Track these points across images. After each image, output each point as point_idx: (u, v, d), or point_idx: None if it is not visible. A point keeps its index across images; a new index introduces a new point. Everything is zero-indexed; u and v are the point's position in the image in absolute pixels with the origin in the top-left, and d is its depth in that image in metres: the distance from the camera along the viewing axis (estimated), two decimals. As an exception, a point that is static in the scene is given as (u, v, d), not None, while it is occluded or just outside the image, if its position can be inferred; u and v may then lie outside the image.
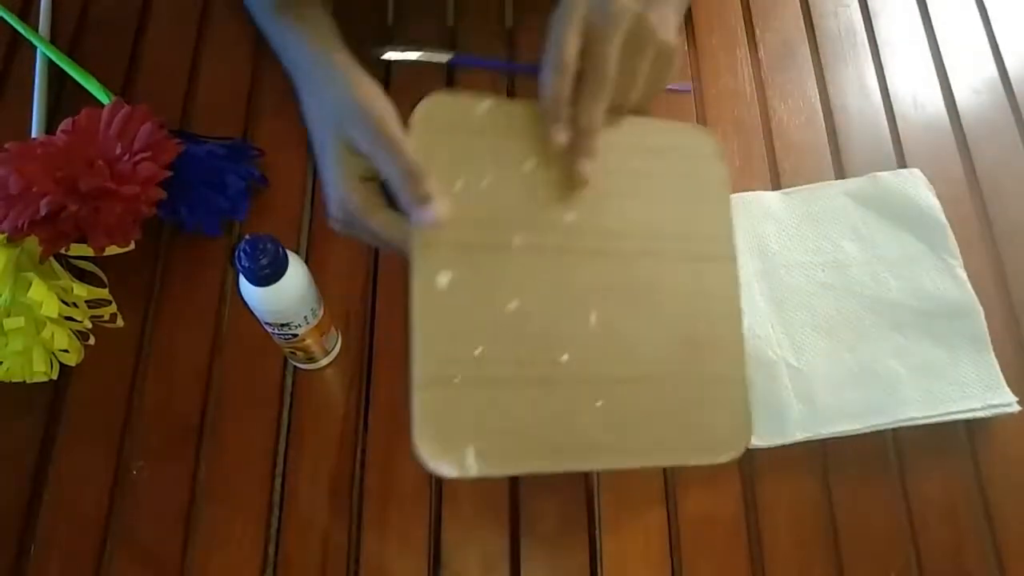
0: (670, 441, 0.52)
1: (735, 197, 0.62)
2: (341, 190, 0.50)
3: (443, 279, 0.50)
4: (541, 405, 0.50)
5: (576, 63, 0.52)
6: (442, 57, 0.56)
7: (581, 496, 0.56)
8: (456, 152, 0.52)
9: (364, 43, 0.70)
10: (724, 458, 0.52)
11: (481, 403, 0.49)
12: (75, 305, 0.57)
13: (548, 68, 0.52)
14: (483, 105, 0.53)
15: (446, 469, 0.48)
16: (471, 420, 0.49)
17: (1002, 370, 0.56)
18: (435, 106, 0.53)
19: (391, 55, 0.56)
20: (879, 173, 0.63)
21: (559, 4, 0.54)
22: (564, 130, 0.51)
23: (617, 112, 0.54)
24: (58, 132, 0.59)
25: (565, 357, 0.51)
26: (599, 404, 0.51)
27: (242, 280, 0.48)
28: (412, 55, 0.56)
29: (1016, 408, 0.55)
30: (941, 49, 0.71)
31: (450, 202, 0.50)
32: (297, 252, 0.61)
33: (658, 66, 0.55)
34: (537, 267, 0.52)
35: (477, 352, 0.50)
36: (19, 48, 0.71)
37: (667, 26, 0.56)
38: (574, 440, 0.50)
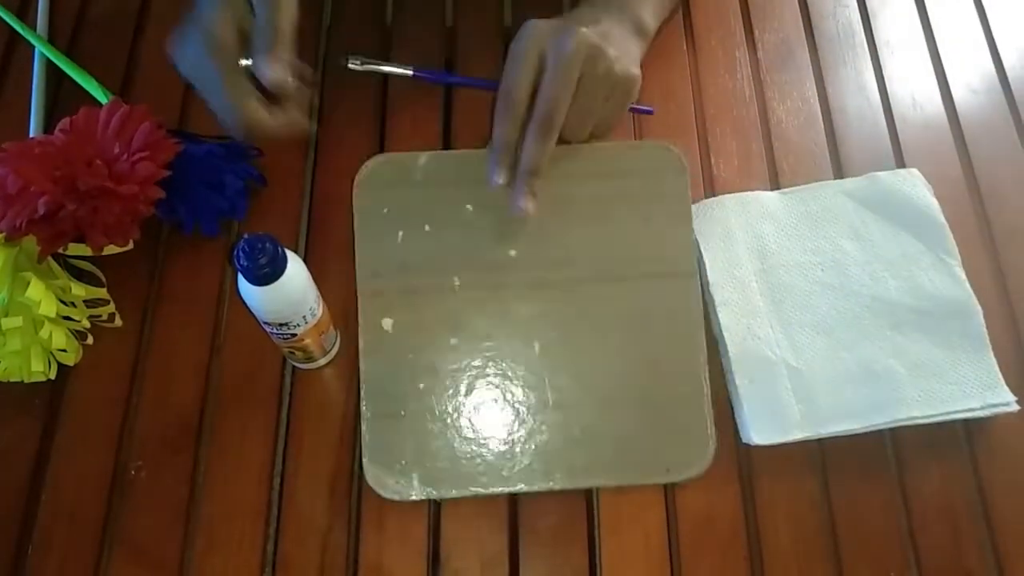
0: (625, 461, 0.54)
1: (734, 197, 0.63)
2: (217, 25, 0.52)
3: (387, 323, 0.55)
4: (485, 431, 0.54)
5: (526, 103, 0.53)
6: (406, 71, 0.57)
7: (580, 495, 0.55)
8: (396, 206, 0.57)
9: (363, 42, 0.71)
10: (681, 478, 0.54)
11: (426, 432, 0.54)
12: (73, 304, 0.57)
13: (499, 109, 0.53)
14: (420, 160, 0.58)
15: (391, 493, 0.53)
16: (416, 448, 0.54)
17: (1001, 369, 0.56)
18: (375, 166, 0.58)
19: (355, 65, 0.57)
20: (878, 173, 0.63)
21: (519, 30, 0.54)
22: (503, 174, 0.53)
23: (569, 142, 0.55)
24: (56, 131, 0.58)
25: (508, 386, 0.55)
26: (544, 428, 0.54)
27: (241, 280, 0.48)
28: (375, 67, 0.58)
29: (1015, 407, 0.55)
30: (939, 49, 0.71)
31: (399, 248, 0.56)
32: (296, 252, 0.61)
33: (616, 99, 0.55)
34: (478, 303, 0.56)
35: (421, 386, 0.55)
36: (17, 47, 0.71)
37: (627, 57, 0.57)
38: (519, 464, 0.54)
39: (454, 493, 0.53)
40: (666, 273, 0.57)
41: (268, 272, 0.47)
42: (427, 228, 0.57)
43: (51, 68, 0.69)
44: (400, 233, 0.57)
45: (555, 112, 0.52)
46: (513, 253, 0.57)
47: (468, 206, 0.58)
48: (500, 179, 0.53)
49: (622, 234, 0.58)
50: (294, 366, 0.59)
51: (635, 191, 0.59)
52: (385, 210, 0.57)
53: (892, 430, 0.56)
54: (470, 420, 0.55)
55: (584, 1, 0.62)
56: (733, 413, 0.57)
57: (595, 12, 0.59)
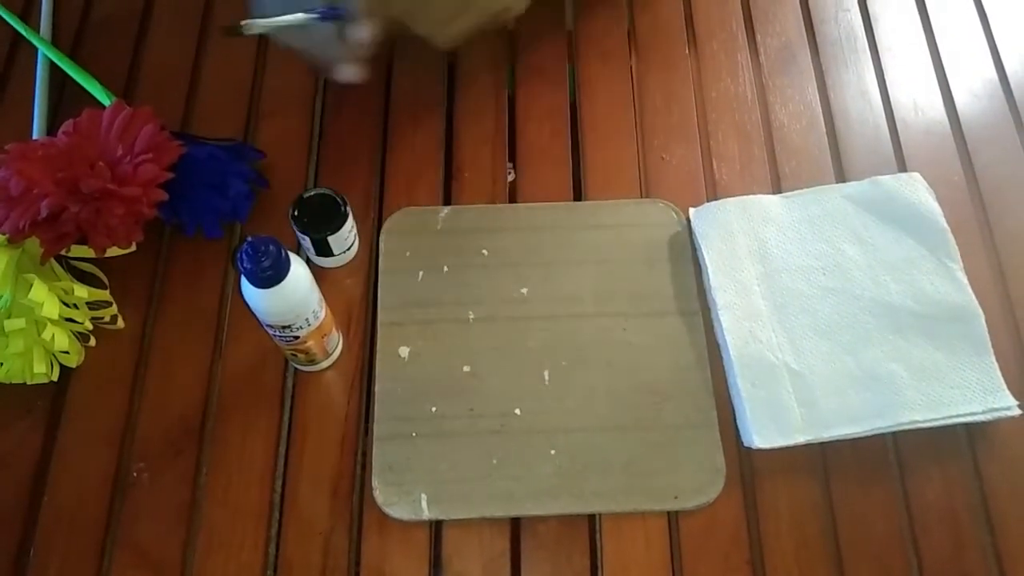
0: (633, 487, 0.55)
1: (736, 200, 0.63)
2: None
3: (404, 351, 0.58)
4: (494, 454, 0.56)
5: None
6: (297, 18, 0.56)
7: (582, 499, 0.55)
8: (418, 250, 0.62)
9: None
10: (690, 505, 0.54)
11: (436, 454, 0.55)
12: (76, 306, 0.57)
13: None
14: (442, 212, 0.64)
15: (400, 513, 0.54)
16: (425, 470, 0.55)
17: (1002, 373, 0.56)
18: (401, 217, 0.63)
19: (249, 26, 0.55)
20: (879, 177, 0.63)
21: None
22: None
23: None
24: (59, 133, 0.59)
25: (517, 411, 0.57)
26: (552, 453, 0.56)
27: (244, 282, 0.48)
28: (269, 22, 0.56)
29: (1016, 411, 0.55)
30: (941, 54, 0.71)
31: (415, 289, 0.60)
32: (298, 254, 0.61)
33: None
34: (490, 335, 0.59)
35: (433, 410, 0.57)
36: (20, 49, 0.72)
37: None
38: (527, 487, 0.55)
39: (462, 515, 0.54)
40: (670, 311, 0.60)
41: (271, 275, 0.47)
42: (445, 269, 0.61)
43: (54, 70, 0.69)
44: (420, 273, 0.61)
45: None
46: (524, 291, 0.61)
47: (484, 251, 0.62)
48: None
49: (627, 276, 0.61)
50: (296, 368, 0.59)
51: (638, 240, 0.63)
52: (408, 253, 0.62)
53: (894, 433, 0.56)
54: (479, 443, 0.56)
55: None
56: (735, 416, 0.57)
57: None
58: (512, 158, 0.67)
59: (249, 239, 0.47)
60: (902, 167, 0.66)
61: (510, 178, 0.66)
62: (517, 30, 0.73)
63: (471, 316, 0.60)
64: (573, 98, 0.70)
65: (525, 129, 0.68)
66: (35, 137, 0.65)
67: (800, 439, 0.55)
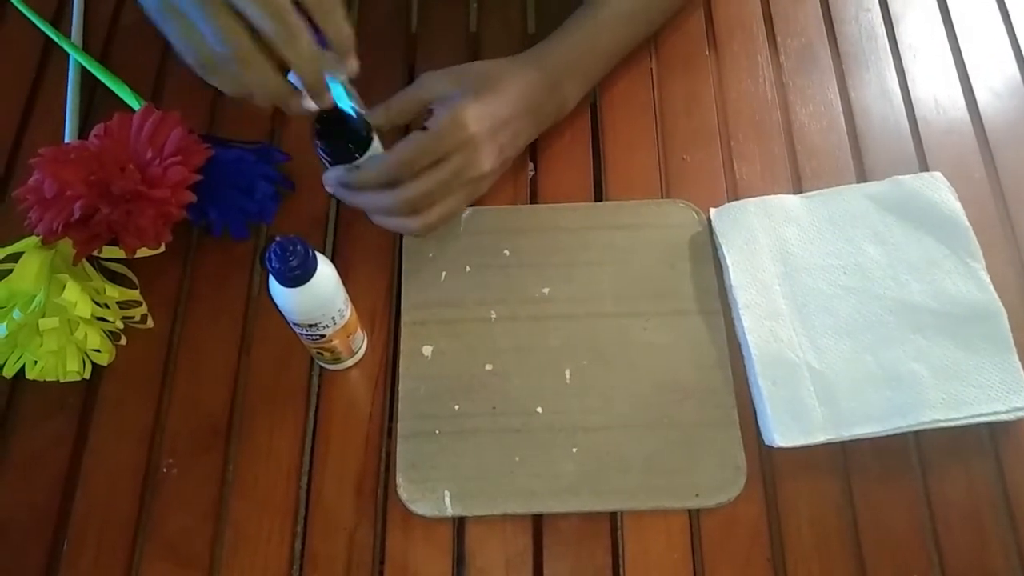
0: (654, 485, 0.55)
1: (757, 200, 0.63)
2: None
3: (427, 349, 0.59)
4: (516, 452, 0.56)
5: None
6: None
7: (603, 496, 0.56)
8: (441, 250, 0.63)
9: (388, 49, 0.72)
10: (711, 503, 0.54)
11: (459, 452, 0.56)
12: (107, 306, 0.59)
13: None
14: (464, 213, 0.64)
15: (423, 509, 0.54)
16: (448, 467, 0.56)
17: (1025, 373, 0.56)
18: None
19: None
20: (900, 176, 0.63)
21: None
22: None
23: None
24: (91, 137, 0.60)
25: (539, 409, 0.57)
26: (574, 451, 0.56)
27: (272, 281, 0.49)
28: None
29: (1040, 411, 0.55)
30: (963, 52, 0.71)
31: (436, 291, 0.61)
32: (323, 254, 0.62)
33: (462, 192, 0.60)
34: (512, 334, 0.60)
35: (456, 408, 0.57)
36: (52, 55, 0.73)
37: (504, 151, 0.61)
38: (549, 485, 0.55)
39: (485, 512, 0.55)
40: (691, 311, 0.60)
41: (299, 274, 0.48)
42: (467, 269, 0.62)
43: (85, 75, 0.71)
44: (443, 273, 0.62)
45: (404, 168, 0.56)
46: (546, 291, 0.61)
47: (505, 251, 0.63)
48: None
49: (648, 276, 0.62)
50: (321, 367, 0.60)
51: (659, 240, 0.63)
52: (431, 254, 0.63)
53: (916, 433, 0.56)
54: (502, 441, 0.56)
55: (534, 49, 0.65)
56: (755, 415, 0.57)
57: (525, 83, 0.61)
58: (533, 158, 0.67)
59: (277, 239, 0.48)
60: (923, 166, 0.66)
61: (531, 174, 0.67)
62: (538, 33, 0.73)
63: (493, 315, 0.60)
64: (593, 99, 0.70)
65: (546, 130, 0.68)
66: (67, 141, 0.67)
67: (821, 438, 0.55)
